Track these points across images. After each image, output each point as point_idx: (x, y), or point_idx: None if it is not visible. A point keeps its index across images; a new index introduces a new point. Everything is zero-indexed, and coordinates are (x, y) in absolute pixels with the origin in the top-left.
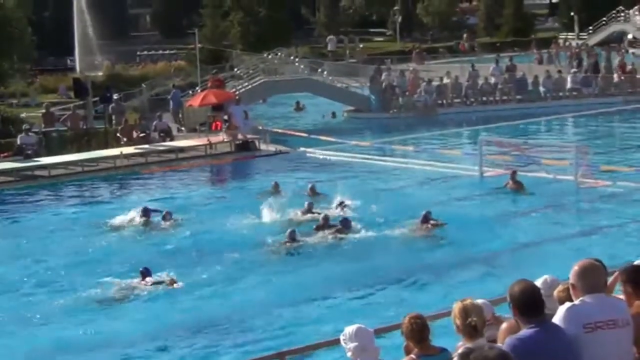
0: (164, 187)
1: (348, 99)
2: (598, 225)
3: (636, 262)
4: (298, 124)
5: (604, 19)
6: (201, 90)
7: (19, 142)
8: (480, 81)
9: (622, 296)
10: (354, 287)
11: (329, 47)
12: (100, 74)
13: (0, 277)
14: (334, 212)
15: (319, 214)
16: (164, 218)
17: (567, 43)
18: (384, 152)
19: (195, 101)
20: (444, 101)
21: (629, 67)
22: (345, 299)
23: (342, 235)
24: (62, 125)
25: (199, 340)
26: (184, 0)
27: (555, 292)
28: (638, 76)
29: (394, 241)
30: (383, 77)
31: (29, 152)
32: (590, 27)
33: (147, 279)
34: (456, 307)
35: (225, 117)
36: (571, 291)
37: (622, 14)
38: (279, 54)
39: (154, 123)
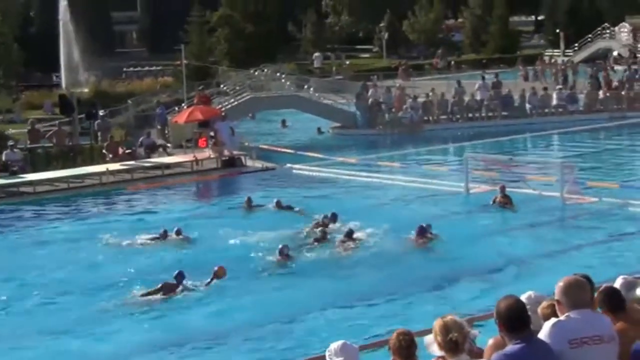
0: (150, 204)
1: (334, 116)
2: (583, 241)
3: (619, 280)
4: (285, 141)
5: (590, 35)
6: (187, 107)
7: (4, 158)
8: (466, 98)
9: None
10: (343, 303)
11: (315, 64)
12: (86, 90)
13: None
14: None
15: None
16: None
17: (552, 60)
18: (371, 168)
19: (181, 118)
20: (430, 117)
21: (614, 84)
22: (333, 314)
23: (350, 245)
24: (47, 141)
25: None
26: (171, 16)
27: (539, 309)
28: (623, 92)
29: (384, 256)
30: (369, 93)
31: (15, 168)
32: (576, 44)
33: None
34: (437, 323)
35: (212, 134)
36: (557, 307)
37: (608, 31)
38: (265, 70)
39: (141, 139)
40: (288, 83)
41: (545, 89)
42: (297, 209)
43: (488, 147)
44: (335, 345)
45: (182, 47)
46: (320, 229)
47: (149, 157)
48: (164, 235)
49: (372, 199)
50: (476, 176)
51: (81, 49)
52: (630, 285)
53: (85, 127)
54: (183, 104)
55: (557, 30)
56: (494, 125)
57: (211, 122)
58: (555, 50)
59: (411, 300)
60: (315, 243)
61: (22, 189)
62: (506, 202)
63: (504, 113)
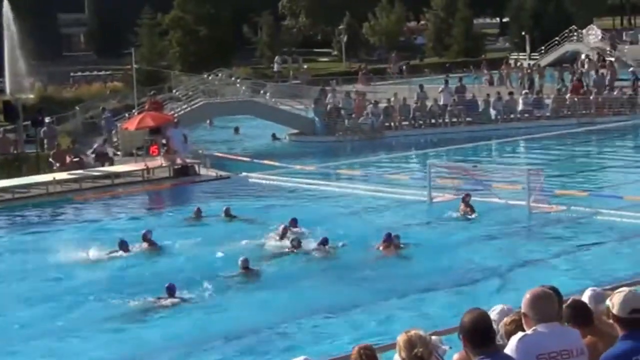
0: (98, 214)
1: (292, 122)
2: (551, 252)
3: (587, 292)
4: (239, 148)
5: (557, 38)
6: (138, 113)
7: None
8: (429, 103)
9: None
10: (307, 315)
11: (275, 68)
12: (32, 96)
13: None
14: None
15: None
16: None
17: (518, 63)
18: (330, 176)
19: (131, 124)
20: (392, 123)
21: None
22: (296, 328)
23: (323, 254)
24: None
25: None
26: (120, 18)
27: (501, 326)
28: (591, 97)
29: (349, 265)
30: (328, 98)
31: None
32: (542, 47)
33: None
34: (400, 338)
35: (164, 141)
36: (523, 320)
37: (575, 34)
38: (220, 74)
39: (95, 146)
40: (243, 88)
41: (511, 93)
42: (246, 217)
43: (452, 154)
44: None
45: (132, 51)
46: (294, 237)
47: (102, 166)
48: (124, 247)
49: (332, 208)
50: (439, 184)
51: (26, 52)
52: (599, 298)
53: (30, 135)
54: (134, 110)
55: (523, 33)
56: (458, 131)
57: (163, 129)
58: (521, 54)
59: (377, 312)
60: (294, 250)
61: None
62: (469, 211)
63: (468, 119)
